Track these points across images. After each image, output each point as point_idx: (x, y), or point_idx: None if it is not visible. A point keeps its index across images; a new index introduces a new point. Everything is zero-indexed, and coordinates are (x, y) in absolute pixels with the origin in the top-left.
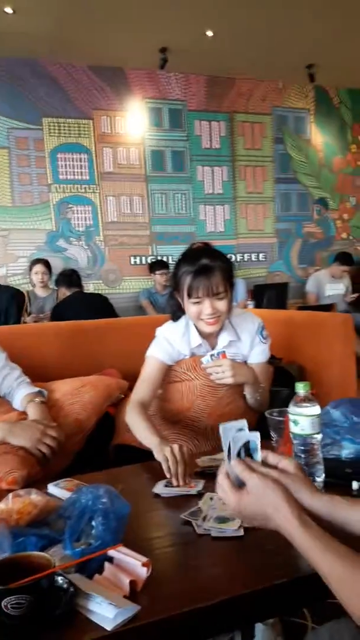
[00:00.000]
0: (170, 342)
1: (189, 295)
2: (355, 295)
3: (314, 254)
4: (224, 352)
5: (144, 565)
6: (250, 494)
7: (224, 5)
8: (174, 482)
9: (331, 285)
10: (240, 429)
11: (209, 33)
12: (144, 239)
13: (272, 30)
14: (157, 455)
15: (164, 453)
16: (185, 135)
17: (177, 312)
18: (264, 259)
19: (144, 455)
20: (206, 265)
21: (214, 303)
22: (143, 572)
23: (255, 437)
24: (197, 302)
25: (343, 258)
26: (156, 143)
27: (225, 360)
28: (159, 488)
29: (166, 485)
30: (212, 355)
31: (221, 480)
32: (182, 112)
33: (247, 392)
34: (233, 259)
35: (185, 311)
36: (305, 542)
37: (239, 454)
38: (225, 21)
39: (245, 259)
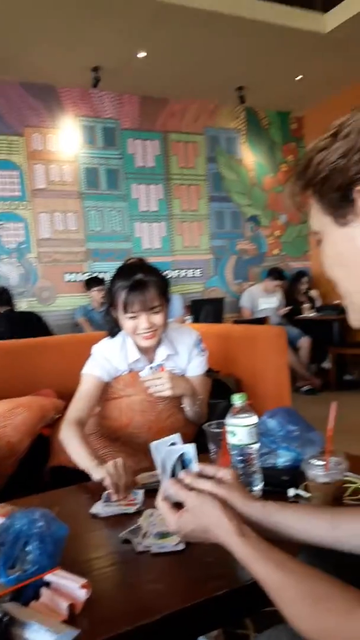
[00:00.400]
0: (107, 358)
1: (125, 310)
2: (288, 308)
3: (247, 269)
4: (162, 365)
5: (82, 587)
6: (188, 511)
7: (155, 26)
8: (114, 497)
9: (264, 300)
10: (172, 444)
11: (141, 54)
12: (79, 256)
13: (203, 52)
14: (96, 476)
15: (106, 469)
16: (119, 153)
17: (114, 329)
18: (200, 275)
19: (82, 476)
20: (141, 280)
21: (150, 317)
22: (82, 594)
23: (189, 449)
24: (133, 317)
25: (275, 273)
26: (90, 160)
27: (163, 373)
28: (97, 508)
29: (105, 503)
30: (150, 368)
31: (160, 504)
32: (115, 130)
33: (186, 404)
34: (170, 275)
35: (122, 326)
36: (245, 553)
37: (174, 470)
38: (157, 42)
39: (182, 275)
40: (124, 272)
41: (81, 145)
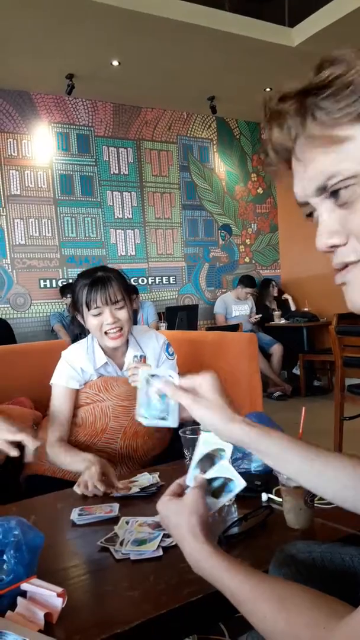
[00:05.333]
0: (74, 365)
1: (88, 307)
2: (259, 315)
3: (220, 277)
4: (144, 356)
5: (59, 595)
6: (178, 504)
7: (128, 35)
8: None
9: (237, 307)
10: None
11: (115, 62)
12: (54, 262)
13: (175, 62)
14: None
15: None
16: (93, 160)
17: (80, 335)
18: (174, 282)
19: (56, 483)
20: (101, 276)
21: (114, 312)
22: (58, 603)
23: (227, 447)
24: (98, 314)
25: (246, 281)
26: (65, 167)
27: (146, 365)
28: (74, 516)
29: (80, 514)
30: (135, 357)
31: (173, 486)
32: (89, 137)
33: None
34: (145, 282)
35: (88, 330)
36: (213, 563)
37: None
38: (130, 51)
39: (157, 282)
40: (84, 273)
41: (55, 152)
